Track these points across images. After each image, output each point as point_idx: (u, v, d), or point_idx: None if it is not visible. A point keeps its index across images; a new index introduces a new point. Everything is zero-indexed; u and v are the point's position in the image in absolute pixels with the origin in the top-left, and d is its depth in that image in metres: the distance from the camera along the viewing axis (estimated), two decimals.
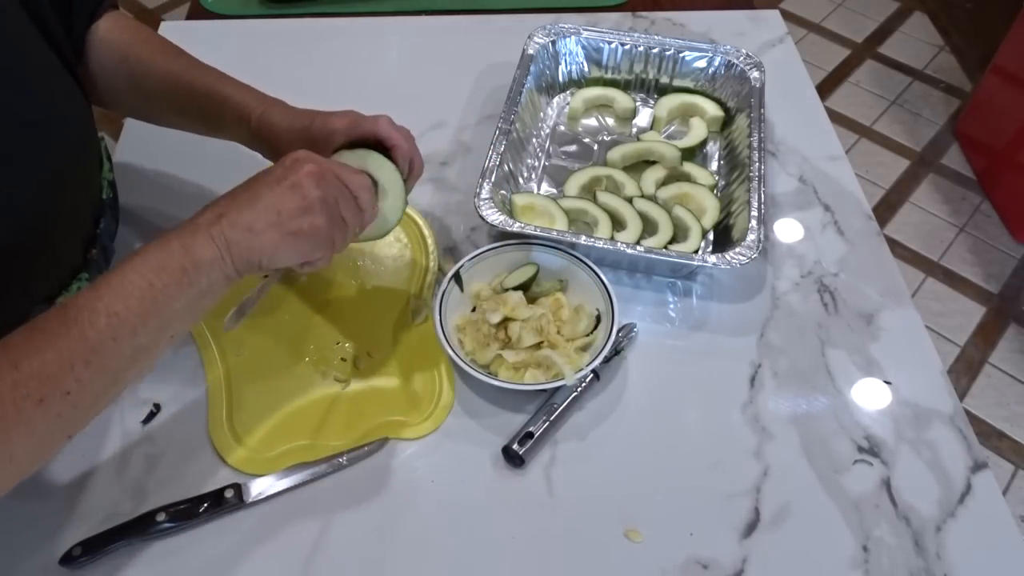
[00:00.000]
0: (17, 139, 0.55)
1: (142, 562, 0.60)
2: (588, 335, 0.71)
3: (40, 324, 0.47)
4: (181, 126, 0.73)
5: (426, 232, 0.81)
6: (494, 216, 0.75)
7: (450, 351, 0.67)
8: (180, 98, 0.69)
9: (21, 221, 0.56)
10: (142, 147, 0.89)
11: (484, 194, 0.77)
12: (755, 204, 0.76)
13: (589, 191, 0.84)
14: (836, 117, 2.22)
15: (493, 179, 0.79)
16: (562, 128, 0.93)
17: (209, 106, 0.68)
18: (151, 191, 0.85)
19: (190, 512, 0.60)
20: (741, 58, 0.91)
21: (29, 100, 0.57)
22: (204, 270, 0.51)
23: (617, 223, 0.80)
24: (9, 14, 0.56)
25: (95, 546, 0.59)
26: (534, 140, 0.90)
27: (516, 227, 0.74)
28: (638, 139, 0.90)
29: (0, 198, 0.53)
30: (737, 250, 0.72)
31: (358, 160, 0.63)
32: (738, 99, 0.90)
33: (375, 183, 0.63)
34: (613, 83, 0.96)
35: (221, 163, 0.87)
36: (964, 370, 1.70)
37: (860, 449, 0.67)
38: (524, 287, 0.74)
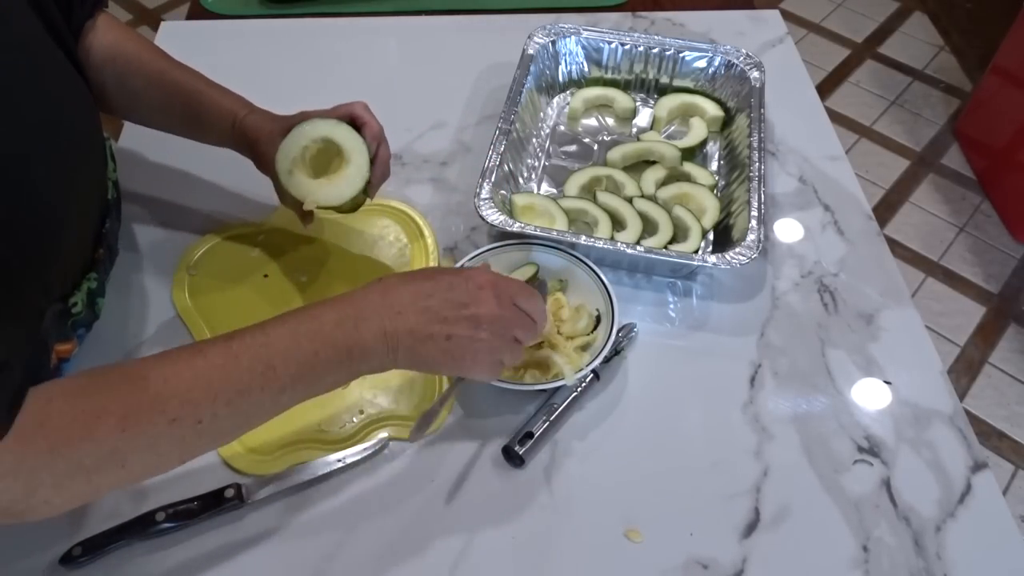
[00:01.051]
0: (32, 139, 0.55)
1: (142, 562, 0.60)
2: (588, 335, 0.71)
3: (205, 349, 0.49)
4: (166, 126, 0.75)
5: (426, 232, 0.81)
6: (494, 216, 0.75)
7: None
8: (165, 96, 0.71)
9: (37, 220, 0.56)
10: (142, 147, 0.89)
11: (484, 194, 0.77)
12: (755, 204, 0.76)
13: (589, 191, 0.84)
14: (836, 117, 2.22)
15: (493, 179, 0.79)
16: (562, 128, 0.93)
17: (193, 105, 0.70)
18: (151, 191, 0.85)
19: (190, 512, 0.60)
20: (741, 58, 0.91)
21: (42, 100, 0.57)
22: (367, 360, 0.53)
23: (617, 223, 0.80)
24: (19, 14, 0.57)
25: (95, 546, 0.59)
26: (534, 140, 0.90)
27: (516, 227, 0.74)
28: (638, 139, 0.90)
29: (18, 197, 0.53)
30: (737, 250, 0.72)
31: (328, 127, 0.66)
32: (738, 99, 0.90)
33: (341, 151, 0.67)
34: (613, 83, 0.96)
35: (221, 163, 0.88)
36: (964, 370, 1.70)
37: (860, 449, 0.67)
38: None
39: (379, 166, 0.70)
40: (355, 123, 0.69)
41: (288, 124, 0.68)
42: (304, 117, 0.69)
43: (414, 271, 0.58)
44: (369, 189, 0.70)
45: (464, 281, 0.57)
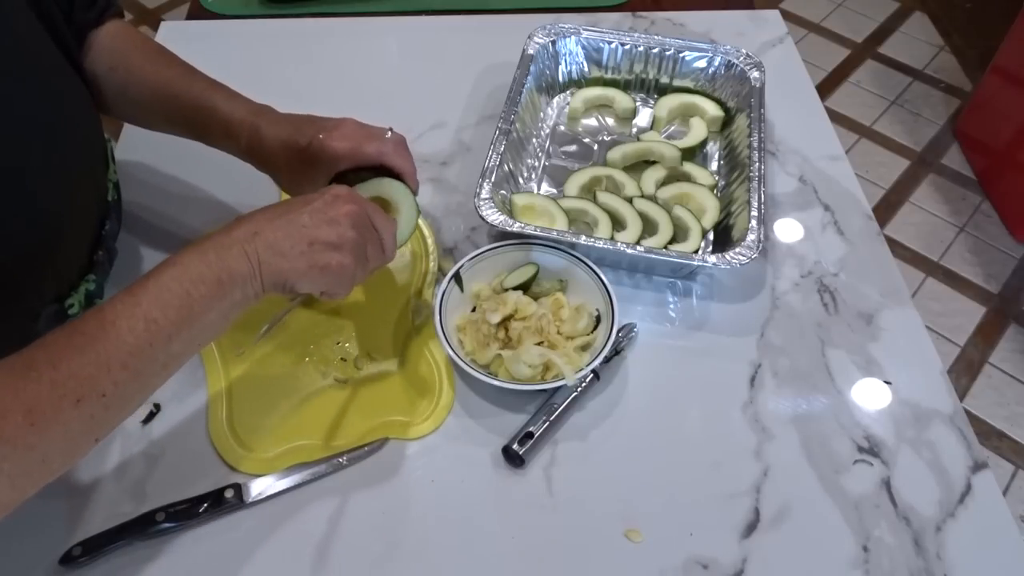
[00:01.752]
0: (32, 140, 0.55)
1: (142, 562, 0.60)
2: (588, 335, 0.71)
3: (79, 326, 0.48)
4: (173, 133, 0.74)
5: (426, 232, 0.81)
6: (494, 216, 0.75)
7: (450, 351, 0.67)
8: (167, 109, 0.69)
9: (36, 222, 0.56)
10: (142, 148, 0.89)
11: (484, 194, 0.77)
12: (755, 204, 0.76)
13: (589, 191, 0.84)
14: (836, 117, 2.22)
15: (493, 179, 0.79)
16: (562, 128, 0.93)
17: (197, 118, 0.68)
18: (151, 192, 0.85)
19: (190, 512, 0.60)
20: (741, 58, 0.91)
21: (42, 101, 0.57)
22: (238, 284, 0.52)
23: (617, 223, 0.80)
24: (20, 15, 0.57)
25: (95, 546, 0.59)
26: (534, 140, 0.90)
27: (516, 227, 0.74)
28: (638, 139, 0.90)
29: (17, 199, 0.53)
30: (737, 250, 0.72)
31: (375, 188, 0.65)
32: (738, 99, 0.90)
33: (388, 202, 0.66)
34: (613, 83, 0.96)
35: (222, 163, 0.87)
36: (964, 370, 1.70)
37: (860, 449, 0.67)
38: (524, 287, 0.74)
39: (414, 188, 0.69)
40: (389, 170, 0.66)
41: (299, 142, 0.64)
42: (315, 137, 0.64)
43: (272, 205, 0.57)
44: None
45: (320, 194, 0.58)
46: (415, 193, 0.68)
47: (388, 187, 0.66)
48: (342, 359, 0.71)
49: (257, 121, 0.67)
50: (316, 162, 0.65)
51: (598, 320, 0.71)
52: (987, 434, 1.60)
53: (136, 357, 0.48)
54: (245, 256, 0.52)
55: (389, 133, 0.68)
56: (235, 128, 0.67)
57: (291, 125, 0.66)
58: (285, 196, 0.80)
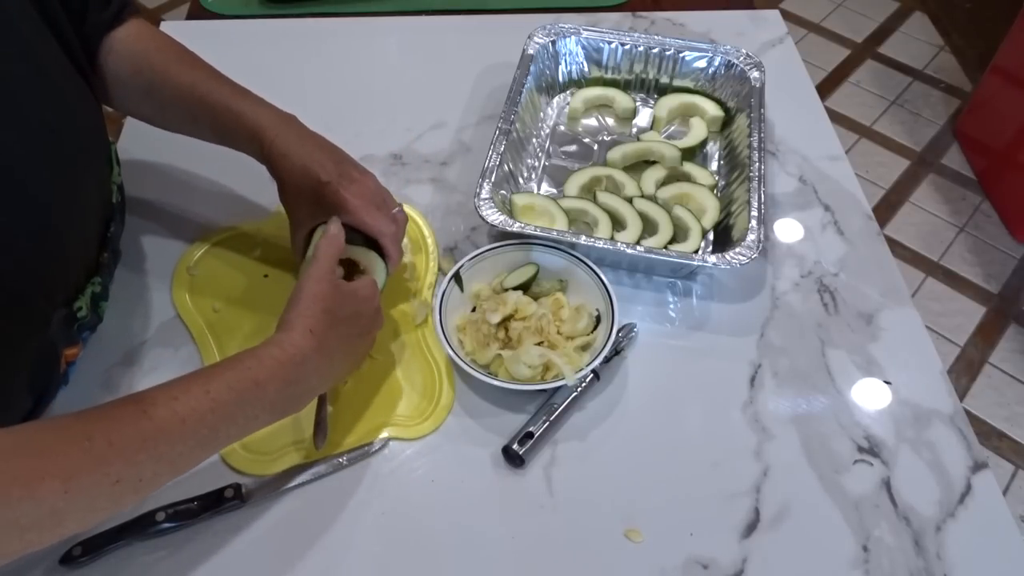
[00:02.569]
0: (37, 144, 0.55)
1: (142, 562, 0.60)
2: (588, 335, 0.71)
3: (150, 409, 0.49)
4: (196, 135, 0.73)
5: (426, 232, 0.81)
6: (494, 216, 0.75)
7: (450, 351, 0.67)
8: (194, 110, 0.69)
9: (42, 224, 0.56)
10: (142, 149, 0.89)
11: (484, 194, 0.77)
12: (755, 204, 0.76)
13: (589, 191, 0.84)
14: (836, 117, 2.22)
15: (493, 179, 0.79)
16: (562, 128, 0.93)
17: (222, 121, 0.68)
18: (151, 192, 0.85)
19: (190, 512, 0.60)
20: (741, 58, 0.91)
21: (47, 104, 0.57)
22: (300, 396, 0.58)
23: (617, 223, 0.80)
24: (24, 18, 0.56)
25: (95, 546, 0.59)
26: (534, 140, 0.90)
27: (516, 227, 0.74)
28: (638, 139, 0.90)
29: (23, 203, 0.53)
30: (737, 250, 0.72)
31: (360, 255, 0.68)
32: (738, 99, 0.90)
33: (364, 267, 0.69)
34: (613, 83, 0.96)
35: (224, 165, 0.88)
36: (964, 370, 1.70)
37: (860, 449, 0.67)
38: (524, 287, 0.74)
39: (392, 268, 0.71)
40: (378, 247, 0.68)
41: (313, 184, 0.66)
42: (329, 186, 0.66)
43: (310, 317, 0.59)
44: None
45: (369, 313, 0.64)
46: (390, 274, 0.70)
47: (368, 259, 0.69)
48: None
49: (280, 132, 0.67)
50: (322, 201, 0.66)
51: (598, 320, 0.71)
52: (987, 434, 1.60)
53: (184, 457, 0.51)
54: (316, 372, 0.58)
55: (398, 209, 0.70)
56: (259, 134, 0.67)
57: (315, 153, 0.68)
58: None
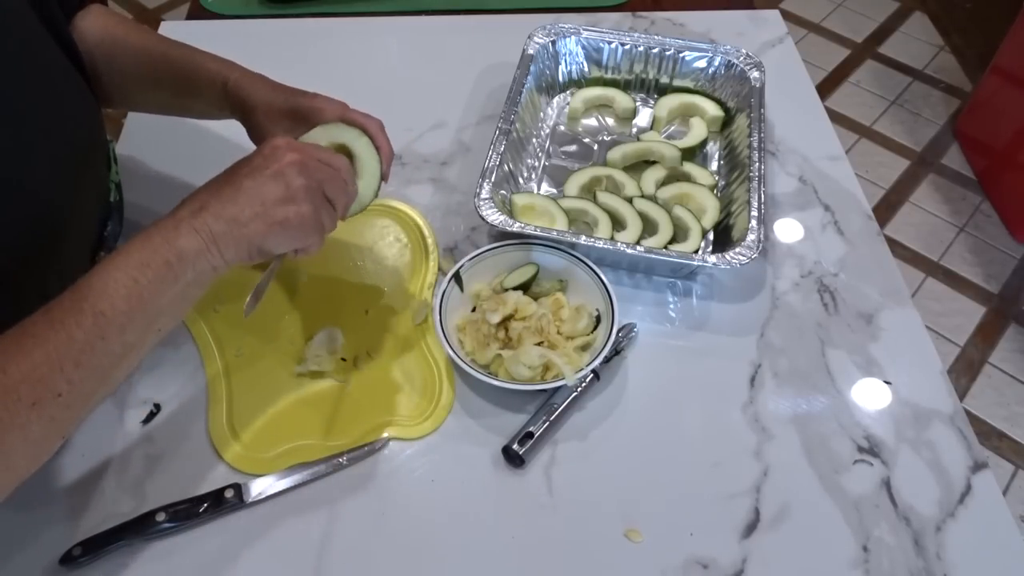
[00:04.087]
0: (35, 140, 0.55)
1: (142, 562, 0.60)
2: (588, 335, 0.71)
3: (27, 328, 0.47)
4: (162, 103, 0.73)
5: (426, 232, 0.81)
6: (494, 216, 0.75)
7: (450, 351, 0.67)
8: (156, 70, 0.69)
9: (38, 222, 0.56)
10: (142, 149, 0.89)
11: (484, 194, 0.77)
12: (755, 204, 0.76)
13: (589, 191, 0.84)
14: (836, 117, 2.22)
15: (493, 179, 0.79)
16: (562, 128, 0.93)
17: (184, 73, 0.68)
18: (151, 192, 0.85)
19: (190, 512, 0.60)
20: (741, 58, 0.91)
21: (44, 101, 0.57)
22: (189, 262, 0.51)
23: (617, 223, 0.80)
24: (20, 15, 0.57)
25: (95, 546, 0.59)
26: (534, 140, 0.90)
27: (516, 227, 0.74)
28: (638, 139, 0.90)
29: (18, 199, 0.53)
30: (737, 250, 0.72)
31: (334, 132, 0.63)
32: (738, 99, 0.90)
33: (351, 158, 0.64)
34: (613, 83, 0.96)
35: (222, 164, 0.87)
36: (964, 370, 1.70)
37: (860, 449, 0.67)
38: (524, 287, 0.74)
39: (385, 162, 0.67)
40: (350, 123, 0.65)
41: (287, 100, 0.65)
42: (304, 97, 0.65)
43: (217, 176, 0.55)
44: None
45: (256, 153, 0.56)
46: (384, 179, 0.66)
47: (349, 135, 0.63)
48: (342, 359, 0.71)
49: (239, 72, 0.67)
50: (298, 112, 0.64)
51: (598, 320, 0.71)
52: (987, 434, 1.59)
53: (88, 353, 0.47)
54: (194, 232, 0.51)
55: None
56: (216, 75, 0.66)
57: (276, 86, 0.67)
58: None
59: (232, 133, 0.79)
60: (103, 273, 0.49)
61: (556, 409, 0.66)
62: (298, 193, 0.54)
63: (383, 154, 0.64)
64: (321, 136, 0.63)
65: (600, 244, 0.73)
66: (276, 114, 0.65)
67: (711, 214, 0.80)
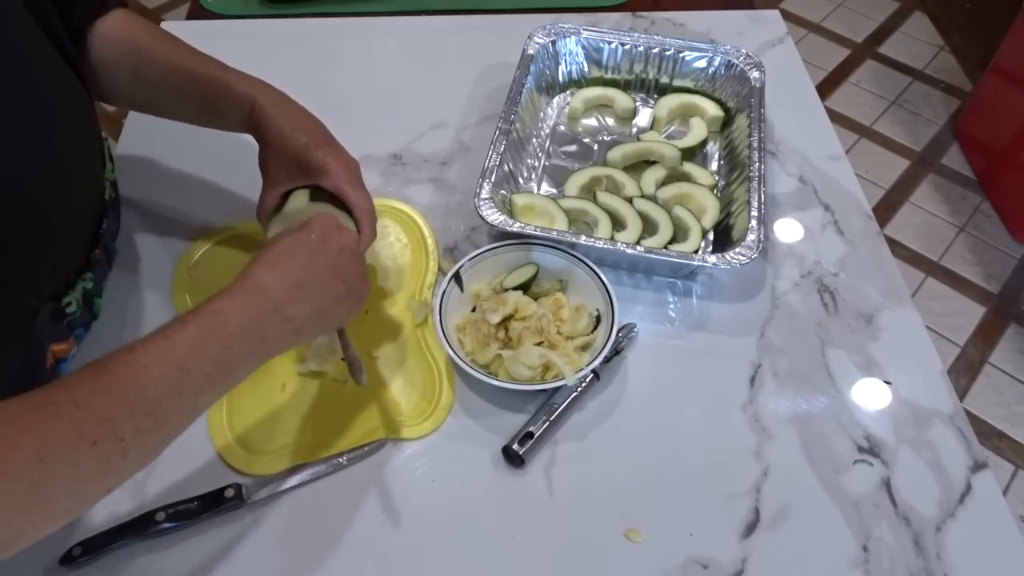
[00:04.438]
0: (26, 138, 0.55)
1: (142, 562, 0.60)
2: (588, 335, 0.71)
3: (107, 364, 0.47)
4: (184, 116, 0.73)
5: (426, 232, 0.81)
6: (494, 216, 0.75)
7: (450, 351, 0.67)
8: (183, 86, 0.69)
9: (30, 218, 0.56)
10: (142, 148, 0.89)
11: (484, 194, 0.77)
12: (755, 204, 0.76)
13: (589, 191, 0.84)
14: (836, 117, 2.22)
15: (493, 179, 0.79)
16: (562, 128, 0.93)
17: (211, 92, 0.68)
18: (151, 192, 0.85)
19: (190, 512, 0.60)
20: (741, 58, 0.91)
21: (36, 98, 0.57)
22: (272, 347, 0.55)
23: (617, 223, 0.80)
24: (14, 12, 0.57)
25: (95, 546, 0.59)
26: (534, 140, 0.90)
27: (516, 227, 0.74)
28: (638, 139, 0.90)
29: (11, 195, 0.53)
30: (737, 250, 0.72)
31: (339, 216, 0.65)
32: (738, 99, 0.90)
33: None
34: (613, 83, 0.96)
35: (222, 164, 0.88)
36: (964, 370, 1.70)
37: (860, 449, 0.67)
38: (524, 287, 0.74)
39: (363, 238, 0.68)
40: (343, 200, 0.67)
41: (302, 154, 0.65)
42: (315, 154, 0.65)
43: (275, 253, 0.57)
44: None
45: (325, 241, 0.59)
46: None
47: (347, 223, 0.66)
48: (342, 359, 0.71)
49: (272, 96, 0.68)
50: (305, 163, 0.65)
51: (598, 320, 0.71)
52: (987, 434, 1.60)
53: (163, 406, 0.47)
54: (287, 322, 0.55)
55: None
56: (250, 98, 0.67)
57: (304, 119, 0.68)
58: None
59: (231, 134, 0.79)
60: (199, 329, 0.50)
61: (556, 409, 0.66)
62: (351, 281, 0.60)
63: (362, 235, 0.65)
64: (304, 210, 0.65)
65: (600, 244, 0.73)
66: (285, 158, 0.66)
67: (711, 214, 0.80)
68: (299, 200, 0.66)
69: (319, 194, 0.65)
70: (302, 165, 0.65)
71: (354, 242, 0.61)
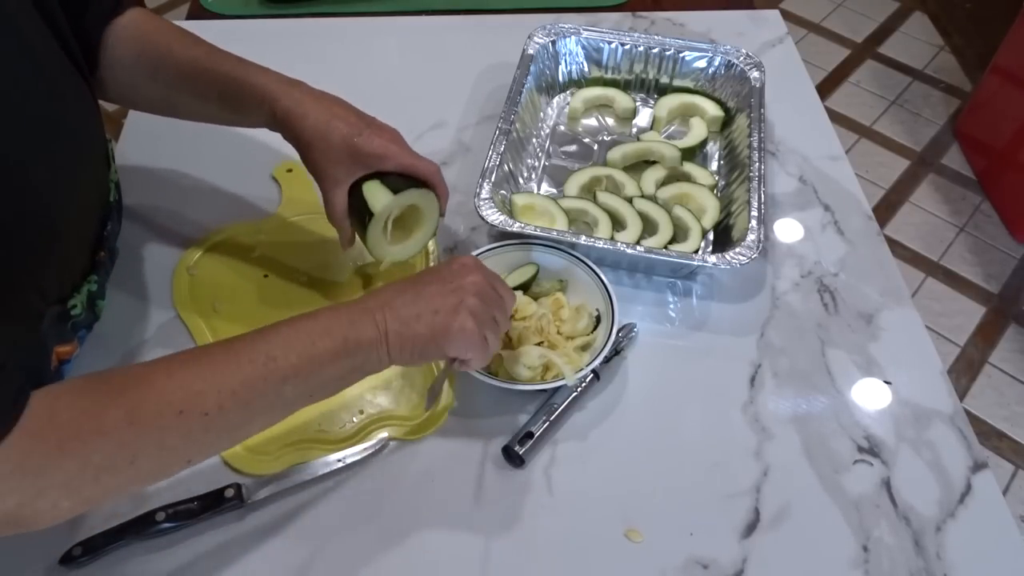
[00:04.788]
0: (31, 141, 0.55)
1: (142, 562, 0.60)
2: (588, 335, 0.71)
3: (207, 348, 0.52)
4: (205, 116, 0.73)
5: None
6: (494, 216, 0.75)
7: None
8: (200, 85, 0.69)
9: (38, 220, 0.56)
10: (142, 149, 0.89)
11: (484, 194, 0.77)
12: (755, 204, 0.76)
13: (589, 191, 0.84)
14: (836, 117, 2.22)
15: (493, 179, 0.79)
16: (562, 128, 0.93)
17: (229, 91, 0.68)
18: (151, 192, 0.85)
19: (190, 512, 0.60)
20: (741, 58, 0.91)
21: (45, 100, 0.57)
22: (363, 347, 0.55)
23: (617, 223, 0.80)
24: (24, 17, 0.57)
25: (95, 546, 0.59)
26: (534, 140, 0.90)
27: (516, 227, 0.74)
28: (638, 139, 0.90)
29: (15, 199, 0.53)
30: (737, 250, 0.72)
31: (418, 197, 0.68)
32: (738, 99, 0.90)
33: (419, 211, 0.70)
34: (613, 83, 0.96)
35: (222, 164, 0.88)
36: (964, 370, 1.70)
37: (860, 449, 0.67)
38: (524, 287, 0.74)
39: (443, 205, 0.72)
40: (428, 184, 0.69)
41: (344, 135, 0.65)
42: (364, 133, 0.66)
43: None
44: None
45: (447, 264, 0.61)
46: (443, 214, 0.72)
47: (426, 200, 0.69)
48: None
49: (292, 93, 0.67)
50: (358, 154, 0.66)
51: (598, 320, 0.71)
52: (987, 434, 1.60)
53: (247, 388, 0.50)
54: (374, 324, 0.55)
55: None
56: (268, 97, 0.66)
57: (336, 108, 0.67)
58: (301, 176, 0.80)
59: (234, 133, 0.79)
60: (287, 328, 0.53)
61: (556, 409, 0.66)
62: (465, 309, 0.58)
63: (442, 198, 0.70)
64: (395, 203, 0.67)
65: (600, 244, 0.73)
66: (334, 154, 0.66)
67: (711, 214, 0.80)
68: (379, 194, 0.67)
69: (386, 178, 0.67)
70: (355, 156, 0.66)
71: (490, 284, 0.60)
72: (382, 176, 0.67)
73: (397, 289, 0.58)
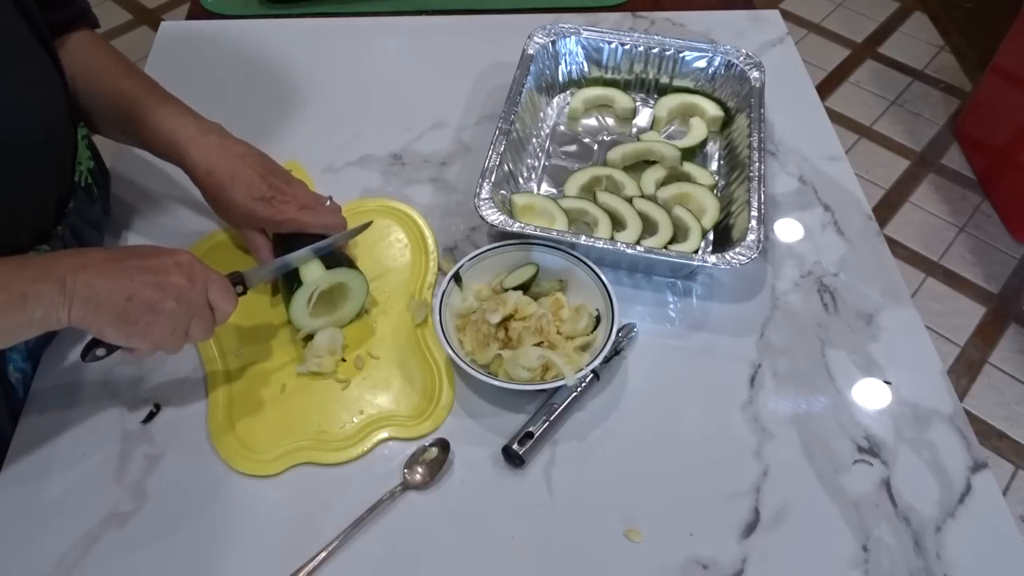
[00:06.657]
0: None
1: (142, 561, 0.60)
2: (588, 335, 0.71)
3: None
4: (136, 144, 0.75)
5: (426, 232, 0.81)
6: (494, 216, 0.75)
7: (450, 351, 0.67)
8: (120, 122, 0.73)
9: None
10: (138, 154, 0.89)
11: (484, 194, 0.77)
12: (755, 204, 0.76)
13: (589, 191, 0.84)
14: (836, 117, 2.22)
15: (493, 179, 0.79)
16: (562, 128, 0.93)
17: (145, 134, 0.71)
18: (150, 193, 0.85)
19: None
20: (741, 58, 0.91)
21: (9, 72, 0.59)
22: (41, 307, 0.52)
23: (617, 223, 0.80)
24: (2, 5, 0.58)
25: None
26: (534, 140, 0.90)
27: (516, 227, 0.74)
28: (638, 139, 0.90)
29: None
30: (737, 250, 0.72)
31: (338, 277, 0.70)
32: (738, 99, 0.90)
33: (346, 289, 0.72)
34: (613, 83, 0.96)
35: None
36: (964, 370, 1.70)
37: (860, 449, 0.67)
38: (524, 287, 0.74)
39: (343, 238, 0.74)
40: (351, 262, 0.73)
41: (252, 212, 0.70)
42: (265, 211, 0.70)
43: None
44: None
45: (162, 254, 0.58)
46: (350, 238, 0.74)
47: (345, 276, 0.71)
48: (342, 359, 0.71)
49: (203, 146, 0.70)
50: (256, 217, 0.70)
51: (598, 320, 0.71)
52: (987, 434, 1.60)
53: None
54: (61, 286, 0.52)
55: (328, 202, 0.74)
56: (178, 148, 0.70)
57: (241, 168, 0.70)
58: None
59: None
60: None
61: (556, 409, 0.66)
62: (163, 312, 0.56)
63: (345, 231, 0.73)
64: (324, 279, 0.69)
65: (600, 244, 0.73)
66: (233, 214, 0.72)
67: (711, 214, 0.80)
68: (312, 267, 0.69)
69: (322, 249, 0.70)
70: (251, 220, 0.70)
71: (202, 292, 0.59)
72: (317, 245, 0.69)
73: (104, 257, 0.55)
